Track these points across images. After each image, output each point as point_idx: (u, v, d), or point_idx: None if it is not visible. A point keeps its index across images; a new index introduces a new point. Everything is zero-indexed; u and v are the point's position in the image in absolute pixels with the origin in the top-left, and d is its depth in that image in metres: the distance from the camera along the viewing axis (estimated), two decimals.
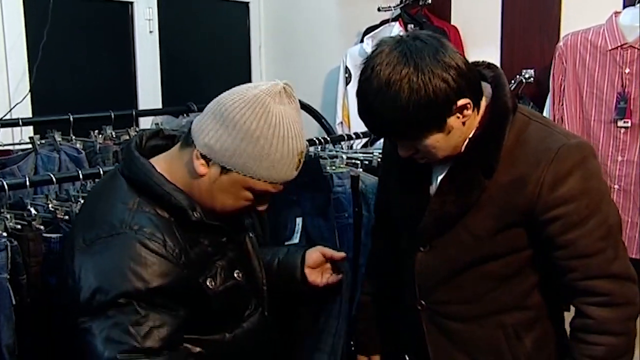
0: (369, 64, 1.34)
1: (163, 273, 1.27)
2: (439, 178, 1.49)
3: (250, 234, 1.56)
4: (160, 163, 1.39)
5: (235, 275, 1.43)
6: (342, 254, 1.69)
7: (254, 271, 1.53)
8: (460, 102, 1.34)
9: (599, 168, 1.45)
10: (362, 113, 1.39)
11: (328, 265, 1.69)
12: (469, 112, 1.37)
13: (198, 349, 1.38)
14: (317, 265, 1.66)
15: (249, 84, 1.37)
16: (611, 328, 1.41)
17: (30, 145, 2.16)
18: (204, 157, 1.33)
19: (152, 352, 1.25)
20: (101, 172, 1.72)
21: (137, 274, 1.25)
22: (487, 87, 1.46)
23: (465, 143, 1.43)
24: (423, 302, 1.57)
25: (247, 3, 3.54)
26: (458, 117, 1.37)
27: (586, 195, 1.38)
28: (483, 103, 1.44)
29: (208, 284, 1.37)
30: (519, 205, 1.40)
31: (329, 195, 2.10)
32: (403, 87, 1.29)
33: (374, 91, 1.31)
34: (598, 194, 1.41)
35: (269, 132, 1.30)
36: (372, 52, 1.36)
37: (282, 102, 1.32)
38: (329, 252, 1.68)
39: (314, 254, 1.66)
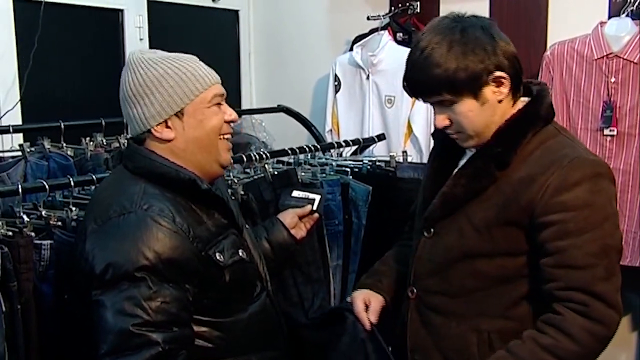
0: (419, 35, 1.47)
1: (174, 246, 1.35)
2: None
3: (247, 226, 1.65)
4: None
5: (240, 253, 1.50)
6: (309, 208, 1.88)
7: (254, 258, 1.59)
8: (497, 74, 1.42)
9: (611, 191, 1.41)
10: (407, 73, 1.48)
11: (300, 221, 1.88)
12: (505, 89, 1.45)
13: (217, 333, 1.44)
14: (295, 225, 1.85)
15: None
16: (571, 330, 1.35)
17: (20, 153, 2.16)
18: (159, 125, 1.45)
19: (163, 327, 1.30)
20: (94, 178, 1.73)
21: (149, 248, 1.32)
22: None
23: (492, 134, 1.48)
24: (414, 289, 1.60)
25: (237, 11, 3.55)
26: (494, 91, 1.44)
27: (589, 208, 1.37)
28: (520, 104, 1.50)
29: (217, 257, 1.43)
30: (521, 203, 1.41)
31: None
32: (446, 45, 1.40)
33: (421, 49, 1.43)
34: (602, 211, 1.38)
35: (169, 63, 1.48)
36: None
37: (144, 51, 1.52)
38: (299, 211, 1.87)
39: (287, 218, 1.84)
